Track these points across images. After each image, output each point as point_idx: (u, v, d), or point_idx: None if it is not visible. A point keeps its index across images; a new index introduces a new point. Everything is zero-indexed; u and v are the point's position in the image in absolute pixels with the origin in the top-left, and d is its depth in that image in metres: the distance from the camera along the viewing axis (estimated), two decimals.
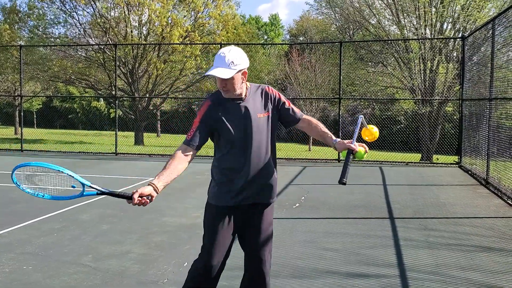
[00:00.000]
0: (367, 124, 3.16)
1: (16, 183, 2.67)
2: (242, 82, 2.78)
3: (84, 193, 2.64)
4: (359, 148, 2.80)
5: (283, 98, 2.94)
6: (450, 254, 4.72)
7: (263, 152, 2.84)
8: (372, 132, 3.12)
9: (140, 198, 2.50)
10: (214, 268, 2.82)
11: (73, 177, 2.60)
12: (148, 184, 2.55)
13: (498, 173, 8.42)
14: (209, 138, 2.87)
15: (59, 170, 2.58)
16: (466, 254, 4.73)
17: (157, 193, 2.55)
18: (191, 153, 2.75)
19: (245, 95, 2.83)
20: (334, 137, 2.87)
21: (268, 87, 2.94)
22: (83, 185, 2.62)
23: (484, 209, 6.88)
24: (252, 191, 2.84)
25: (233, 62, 2.69)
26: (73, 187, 2.71)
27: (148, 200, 2.52)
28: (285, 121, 2.97)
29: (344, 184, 2.72)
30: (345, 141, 2.81)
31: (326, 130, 2.91)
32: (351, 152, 2.79)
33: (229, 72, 2.68)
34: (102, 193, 2.60)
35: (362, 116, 3.08)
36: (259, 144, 2.82)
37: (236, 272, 3.77)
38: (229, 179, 2.83)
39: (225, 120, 2.79)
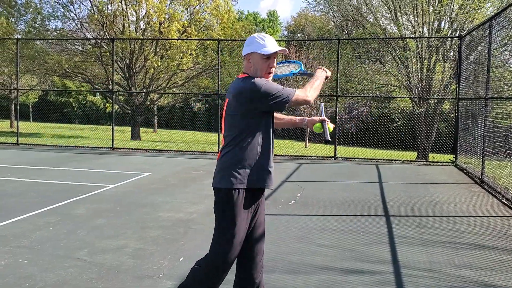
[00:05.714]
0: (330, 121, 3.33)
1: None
2: None
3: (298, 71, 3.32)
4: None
5: None
6: (444, 252, 4.75)
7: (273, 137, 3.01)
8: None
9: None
10: (233, 261, 2.84)
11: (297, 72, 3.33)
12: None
13: (493, 172, 8.47)
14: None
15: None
16: (460, 252, 4.77)
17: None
18: None
19: None
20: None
21: None
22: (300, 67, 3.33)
23: (479, 208, 6.92)
24: (266, 174, 2.89)
25: None
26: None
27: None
28: None
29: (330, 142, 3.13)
30: (315, 117, 3.21)
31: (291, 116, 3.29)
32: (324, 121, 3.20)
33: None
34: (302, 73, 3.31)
35: (322, 103, 3.49)
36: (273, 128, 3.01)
37: None
38: (259, 161, 2.84)
39: None
